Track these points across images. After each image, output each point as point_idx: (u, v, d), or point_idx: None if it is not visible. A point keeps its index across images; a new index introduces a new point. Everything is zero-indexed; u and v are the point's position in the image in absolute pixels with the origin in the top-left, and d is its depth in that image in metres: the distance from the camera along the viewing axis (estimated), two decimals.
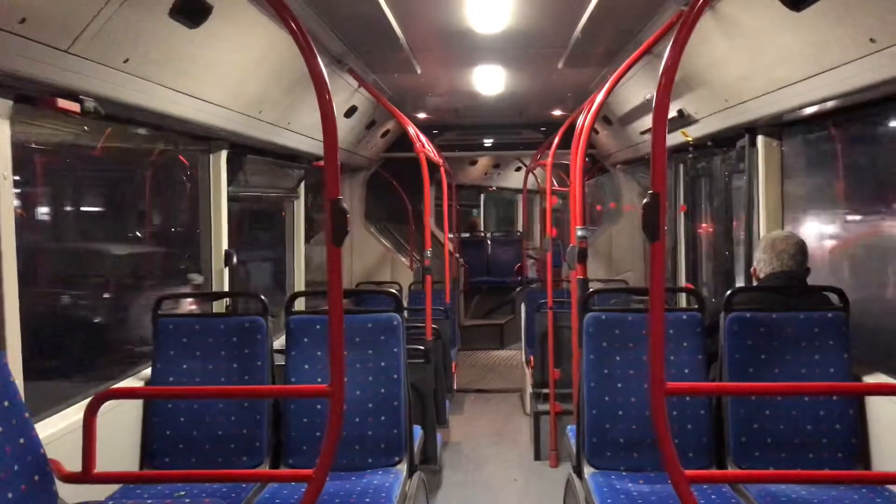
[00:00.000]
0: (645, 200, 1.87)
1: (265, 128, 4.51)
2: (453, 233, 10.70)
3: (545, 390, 5.76)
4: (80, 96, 2.70)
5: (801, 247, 3.63)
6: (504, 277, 12.23)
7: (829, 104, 3.32)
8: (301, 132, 5.11)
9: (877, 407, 3.16)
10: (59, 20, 2.36)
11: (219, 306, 4.43)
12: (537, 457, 5.77)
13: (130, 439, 3.40)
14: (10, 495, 2.15)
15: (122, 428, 3.33)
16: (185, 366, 3.52)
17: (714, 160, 5.57)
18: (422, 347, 4.98)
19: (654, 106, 1.92)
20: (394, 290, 4.66)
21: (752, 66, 3.64)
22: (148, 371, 3.59)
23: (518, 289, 12.23)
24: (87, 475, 2.19)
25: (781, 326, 3.34)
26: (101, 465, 2.20)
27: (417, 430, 3.98)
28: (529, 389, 6.45)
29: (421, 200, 6.68)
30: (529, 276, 11.52)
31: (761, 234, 4.24)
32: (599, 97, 4.09)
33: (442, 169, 7.53)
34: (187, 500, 2.65)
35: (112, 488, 3.12)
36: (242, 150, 4.77)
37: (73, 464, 2.26)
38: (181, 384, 3.48)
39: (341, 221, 1.95)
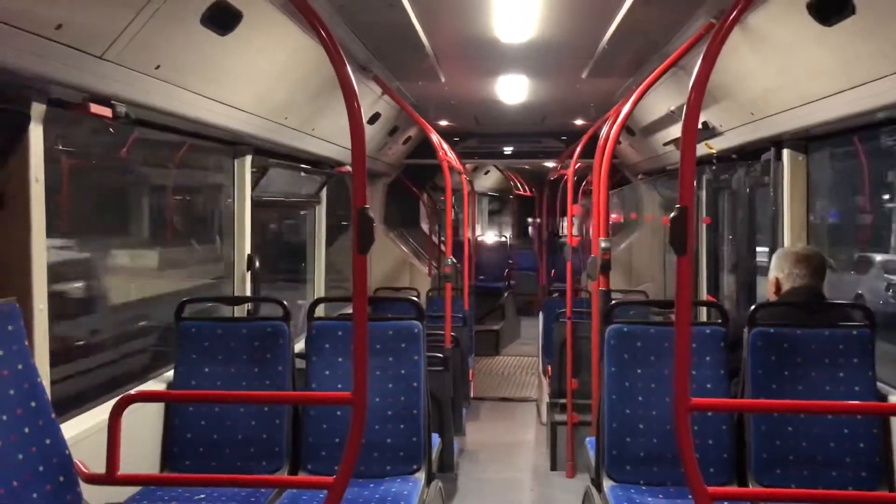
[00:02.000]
0: (672, 214, 1.86)
1: (290, 133, 4.54)
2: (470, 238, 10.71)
3: (562, 400, 5.74)
4: (112, 101, 2.73)
5: (823, 262, 3.60)
6: (493, 282, 12.20)
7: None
8: (325, 138, 5.14)
9: None
10: (95, 27, 2.39)
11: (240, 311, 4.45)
12: (553, 467, 5.74)
13: (152, 442, 3.43)
14: (35, 495, 2.17)
15: (143, 430, 3.36)
16: (206, 369, 3.54)
17: (738, 173, 5.53)
18: (441, 355, 4.98)
19: (684, 120, 1.91)
20: (413, 297, 4.67)
21: (779, 79, 3.62)
22: (170, 374, 3.62)
23: (506, 294, 12.23)
24: (110, 477, 2.20)
25: (806, 343, 3.30)
26: (123, 467, 2.22)
27: (435, 438, 3.97)
28: (546, 399, 6.43)
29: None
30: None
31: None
32: (626, 108, 4.08)
33: (463, 177, 7.54)
34: None
35: (133, 490, 3.14)
36: (267, 156, 4.80)
37: (96, 465, 2.28)
38: (202, 387, 3.50)
39: (367, 230, 1.95)
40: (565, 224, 21.43)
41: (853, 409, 3.05)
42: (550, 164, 11.92)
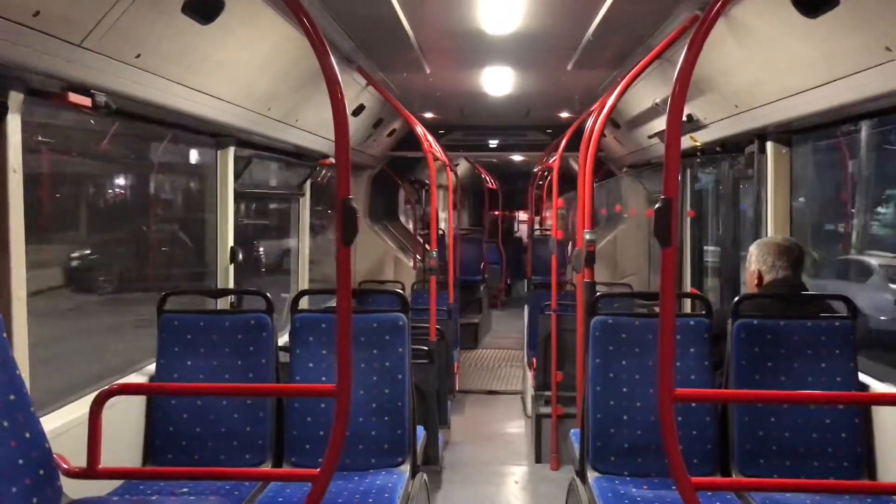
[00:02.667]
0: (657, 206, 1.86)
1: (273, 125, 4.50)
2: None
3: (547, 393, 5.75)
4: (92, 91, 2.69)
5: (802, 253, 3.62)
6: (470, 275, 12.20)
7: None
8: (309, 130, 5.11)
9: (883, 416, 3.15)
10: (73, 14, 2.35)
11: (223, 303, 4.42)
12: (538, 459, 5.76)
13: (133, 435, 3.39)
14: (14, 490, 2.14)
15: (125, 424, 3.32)
16: (189, 362, 3.51)
17: (722, 166, 5.55)
18: (426, 348, 4.97)
19: (669, 112, 1.91)
20: (398, 290, 4.65)
21: (764, 72, 3.63)
22: (151, 367, 3.59)
23: (482, 287, 12.25)
24: (91, 471, 2.18)
25: (789, 334, 3.32)
26: (104, 461, 2.20)
27: (420, 431, 3.97)
28: (531, 392, 6.44)
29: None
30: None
31: None
32: (610, 100, 4.08)
33: (448, 169, 7.52)
34: (191, 498, 2.64)
35: (114, 484, 3.11)
36: (250, 147, 4.77)
37: (76, 459, 2.25)
38: (185, 380, 3.47)
39: (352, 221, 1.94)
40: (524, 218, 21.40)
41: (835, 399, 3.07)
42: (518, 157, 11.95)
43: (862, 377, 3.31)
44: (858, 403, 3.24)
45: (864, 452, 3.19)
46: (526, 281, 16.75)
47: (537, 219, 13.48)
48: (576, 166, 10.78)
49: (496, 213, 15.19)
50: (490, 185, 14.81)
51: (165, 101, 3.17)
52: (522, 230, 20.88)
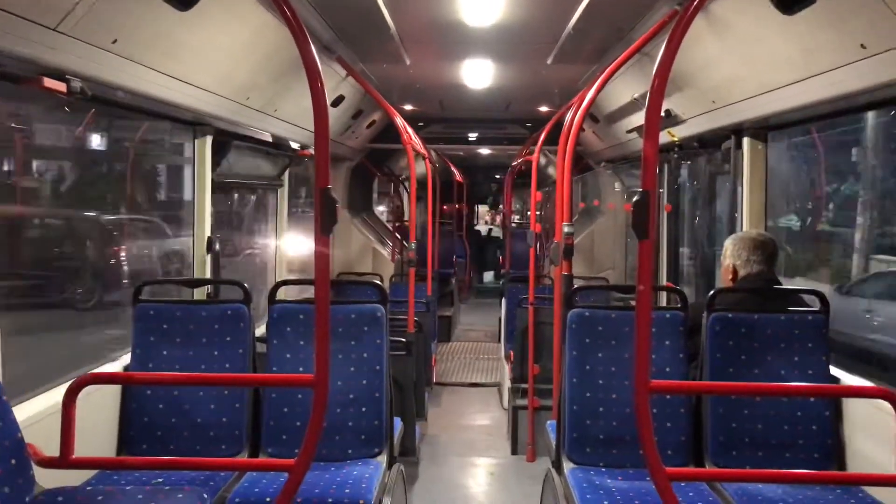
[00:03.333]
0: (635, 199, 1.87)
1: (252, 114, 4.47)
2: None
3: (524, 385, 5.78)
4: (67, 76, 2.65)
5: (776, 247, 3.67)
6: (442, 268, 12.22)
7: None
8: (288, 120, 5.08)
9: (853, 409, 3.21)
10: None
11: (200, 293, 4.39)
12: (514, 451, 5.79)
13: (108, 425, 3.37)
14: None
15: (99, 414, 3.29)
16: (164, 352, 3.49)
17: (699, 161, 5.60)
18: (403, 340, 4.98)
19: (647, 106, 1.92)
20: (376, 282, 4.65)
21: (741, 68, 3.66)
22: (127, 357, 3.56)
23: (454, 280, 12.28)
24: (64, 460, 2.16)
25: (762, 327, 3.37)
26: (78, 451, 2.17)
27: (397, 423, 3.97)
28: (508, 384, 6.47)
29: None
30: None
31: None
32: (589, 95, 4.09)
33: (427, 161, 7.52)
34: (166, 488, 2.62)
35: (89, 474, 3.08)
36: (228, 137, 4.72)
37: (50, 448, 2.23)
38: (160, 370, 3.45)
39: (331, 211, 1.93)
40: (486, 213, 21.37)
41: (807, 391, 3.12)
42: (485, 150, 11.95)
43: (833, 370, 3.37)
44: (829, 396, 3.29)
45: (833, 444, 3.25)
46: (491, 273, 16.81)
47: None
48: (550, 161, 10.84)
49: (461, 206, 15.18)
50: (457, 179, 14.82)
51: (142, 87, 3.13)
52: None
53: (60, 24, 2.43)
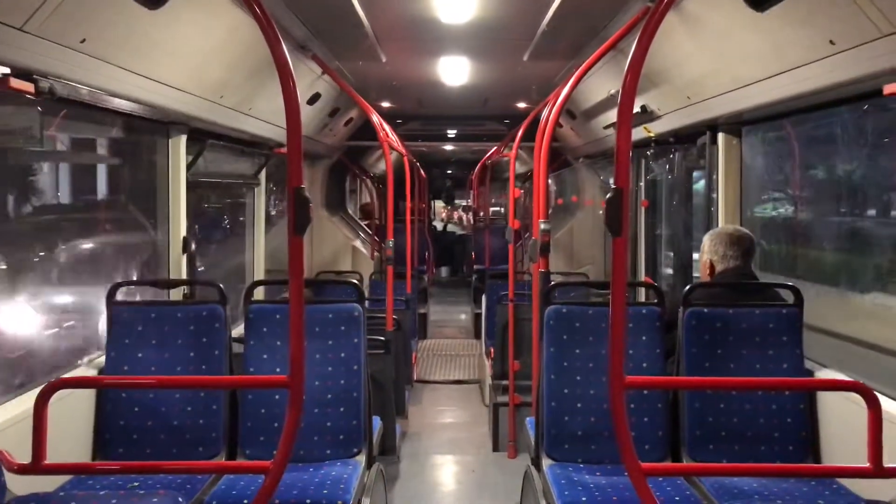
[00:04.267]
0: (608, 195, 1.88)
1: (226, 113, 4.43)
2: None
3: (504, 382, 5.78)
4: (35, 76, 2.61)
5: (753, 243, 3.70)
6: (416, 266, 12.17)
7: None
8: (263, 118, 5.04)
9: (827, 402, 3.24)
10: None
11: (176, 294, 4.35)
12: (496, 448, 5.79)
13: (82, 429, 3.33)
14: None
15: (73, 418, 3.26)
16: (139, 354, 3.45)
17: (675, 156, 5.63)
18: (382, 338, 4.96)
19: (620, 102, 1.93)
20: (355, 280, 4.64)
21: (714, 64, 3.69)
22: (101, 359, 3.52)
23: (426, 278, 12.26)
24: (36, 466, 2.13)
25: (738, 322, 3.39)
26: (52, 456, 2.14)
27: (377, 421, 3.96)
28: (489, 381, 6.48)
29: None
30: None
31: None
32: (564, 91, 4.10)
33: (405, 158, 7.50)
34: (141, 492, 2.59)
35: (63, 479, 3.05)
36: (202, 136, 4.68)
37: (22, 454, 2.19)
38: (136, 373, 3.41)
39: (304, 210, 1.92)
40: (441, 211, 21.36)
41: (782, 385, 3.15)
42: (449, 147, 11.93)
43: (808, 364, 3.40)
44: (803, 389, 3.32)
45: (808, 437, 3.28)
46: (447, 269, 16.78)
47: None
48: (521, 157, 10.86)
49: (424, 203, 15.17)
50: (421, 174, 14.82)
51: (113, 87, 3.09)
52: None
53: (26, 23, 2.39)
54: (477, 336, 9.79)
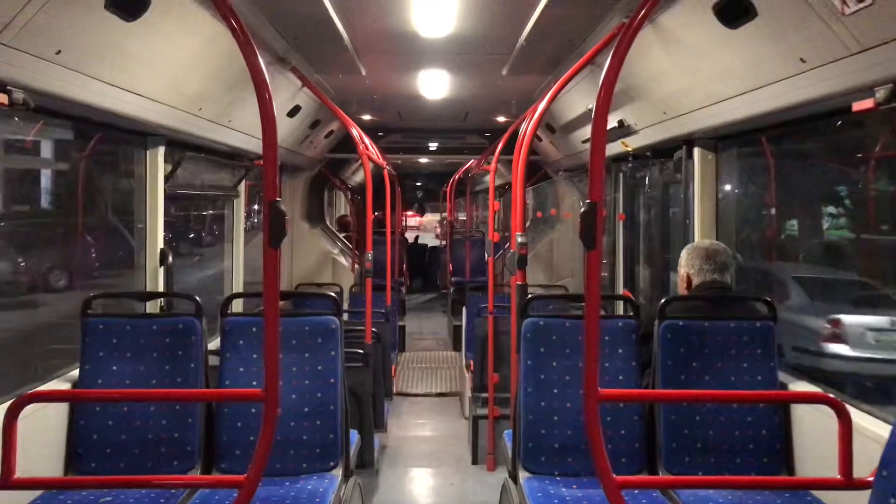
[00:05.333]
0: (582, 209, 1.90)
1: (205, 125, 4.42)
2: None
3: (484, 394, 5.78)
4: (9, 87, 2.59)
5: (730, 257, 3.74)
6: (394, 278, 12.17)
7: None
8: (243, 130, 5.03)
9: (800, 414, 3.27)
10: None
11: (153, 307, 4.32)
12: (475, 461, 5.78)
13: (55, 444, 3.28)
14: None
15: (45, 432, 3.21)
16: (114, 367, 3.42)
17: (653, 170, 5.68)
18: (361, 351, 4.94)
19: (594, 116, 1.95)
20: (333, 293, 4.61)
21: (690, 79, 3.73)
22: (75, 373, 3.48)
23: (403, 290, 12.24)
24: (6, 482, 2.10)
25: (713, 335, 3.42)
26: (23, 471, 2.11)
27: (354, 435, 3.94)
28: (469, 393, 6.47)
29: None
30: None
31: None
32: (542, 105, 4.13)
33: (385, 171, 7.51)
34: None
35: (34, 494, 3.00)
36: (181, 148, 4.67)
37: None
38: (110, 386, 3.38)
39: (279, 223, 1.92)
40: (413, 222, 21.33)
41: (755, 398, 3.18)
42: (429, 160, 11.94)
43: (782, 376, 3.44)
44: (776, 402, 3.35)
45: (782, 449, 3.31)
46: (420, 280, 16.76)
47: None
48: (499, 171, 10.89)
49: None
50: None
51: (89, 98, 3.08)
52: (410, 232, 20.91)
53: (0, 34, 2.38)
54: (455, 348, 9.77)
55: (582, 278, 8.23)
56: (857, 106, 2.60)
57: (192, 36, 3.53)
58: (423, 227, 21.31)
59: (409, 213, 22.22)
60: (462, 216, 13.94)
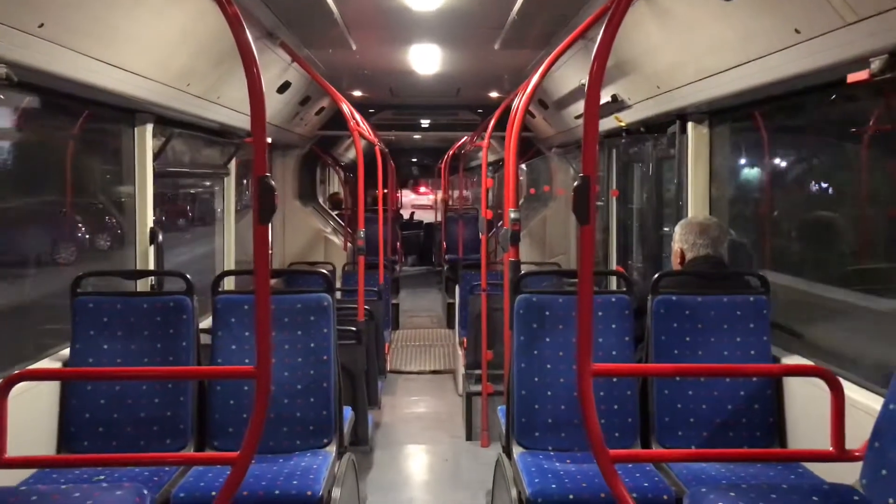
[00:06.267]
0: (576, 184, 1.88)
1: (193, 101, 4.36)
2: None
3: (478, 371, 5.79)
4: None
5: (724, 231, 3.74)
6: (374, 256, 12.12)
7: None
8: (232, 107, 4.97)
9: (793, 388, 3.28)
10: None
11: (143, 286, 4.29)
12: (469, 437, 5.81)
13: (46, 423, 3.27)
14: None
15: (37, 411, 3.20)
16: (105, 346, 3.40)
17: (646, 145, 5.66)
18: (353, 328, 4.94)
19: (587, 90, 1.92)
20: (325, 271, 4.60)
21: (683, 53, 3.70)
22: (66, 352, 3.46)
23: (398, 268, 12.22)
24: None
25: (706, 309, 3.42)
26: (14, 450, 2.10)
27: (348, 412, 3.94)
28: (462, 370, 6.49)
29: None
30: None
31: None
32: (534, 80, 4.09)
33: (377, 148, 7.46)
34: (105, 485, 2.55)
35: (26, 473, 3.00)
36: (169, 124, 4.61)
37: None
38: (101, 365, 3.36)
39: (268, 199, 1.89)
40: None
41: (748, 371, 3.18)
42: (421, 136, 11.77)
43: (774, 350, 3.44)
44: (769, 375, 3.36)
45: (775, 422, 3.33)
46: (414, 256, 16.79)
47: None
48: (497, 148, 10.86)
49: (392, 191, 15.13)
50: (390, 163, 14.79)
51: (73, 74, 3.02)
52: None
53: None
54: (450, 326, 9.79)
55: (575, 256, 8.30)
56: (852, 77, 2.57)
57: (179, 10, 3.48)
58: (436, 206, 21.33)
59: (416, 189, 21.99)
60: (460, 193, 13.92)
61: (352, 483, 3.79)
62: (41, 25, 2.63)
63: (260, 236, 1.92)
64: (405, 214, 19.24)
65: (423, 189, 25.79)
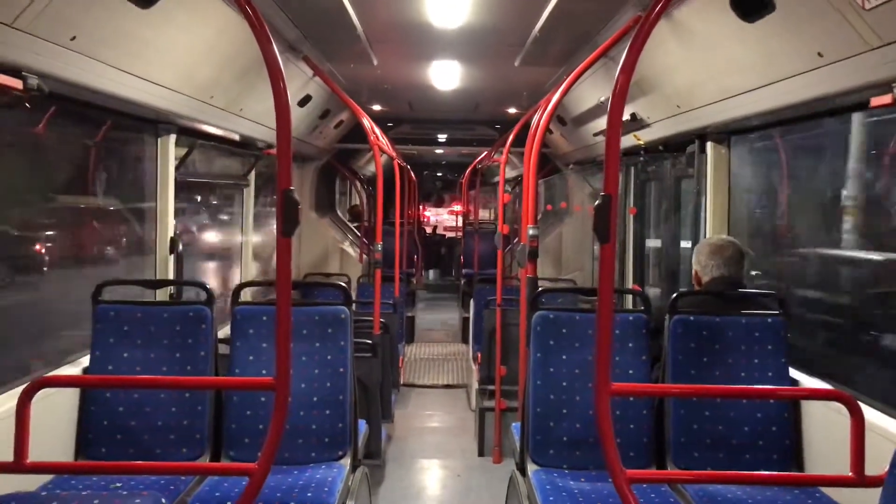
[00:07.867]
0: (597, 202, 1.89)
1: (216, 113, 4.42)
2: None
3: (491, 387, 5.79)
4: (23, 72, 2.60)
5: (742, 253, 3.72)
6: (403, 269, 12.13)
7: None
8: (253, 119, 5.03)
9: (811, 411, 3.26)
10: None
11: (163, 295, 4.33)
12: (481, 453, 5.79)
13: (65, 429, 3.30)
14: None
15: (57, 417, 3.23)
16: (125, 354, 3.43)
17: (664, 164, 5.66)
18: (369, 341, 4.95)
19: (610, 108, 1.93)
20: (342, 283, 4.61)
21: (704, 73, 3.71)
22: (85, 359, 3.49)
23: (414, 281, 12.20)
24: (19, 465, 2.11)
25: (724, 330, 3.41)
26: (34, 455, 2.13)
27: (362, 425, 3.95)
28: (475, 385, 6.48)
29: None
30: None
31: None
32: (555, 97, 4.11)
33: (395, 162, 7.50)
34: (123, 492, 2.58)
35: (45, 478, 3.02)
36: (192, 135, 4.67)
37: (4, 453, 2.18)
38: (120, 373, 3.39)
39: (292, 212, 1.92)
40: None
41: (766, 393, 3.16)
42: (439, 150, 11.76)
43: (792, 372, 3.42)
44: (787, 398, 3.33)
45: (792, 445, 3.30)
46: (435, 271, 16.80)
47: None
48: (516, 163, 10.86)
49: (412, 206, 15.17)
50: (411, 177, 14.85)
51: (102, 85, 3.08)
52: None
53: (16, 20, 2.38)
54: (465, 340, 9.78)
55: (590, 272, 8.28)
56: (876, 101, 2.57)
57: (205, 23, 3.53)
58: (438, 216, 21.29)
59: (444, 204, 21.95)
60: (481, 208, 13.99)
61: (365, 496, 3.79)
62: (73, 38, 2.68)
63: (283, 249, 1.94)
64: (428, 230, 19.28)
65: (456, 207, 25.45)
